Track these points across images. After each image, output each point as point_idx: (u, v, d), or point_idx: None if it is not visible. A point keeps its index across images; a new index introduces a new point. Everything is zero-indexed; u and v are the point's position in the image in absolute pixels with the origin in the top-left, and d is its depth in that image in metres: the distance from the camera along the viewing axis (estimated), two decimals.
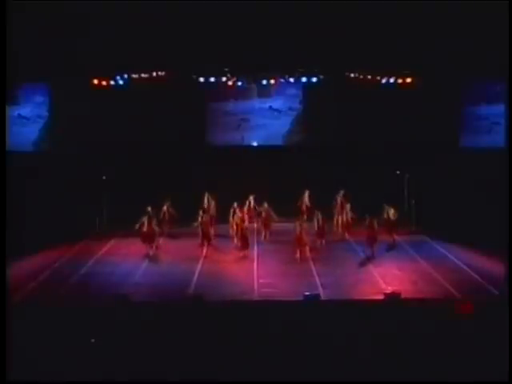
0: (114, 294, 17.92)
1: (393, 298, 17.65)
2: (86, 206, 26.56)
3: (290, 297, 18.34)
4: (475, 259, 22.22)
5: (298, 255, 22.41)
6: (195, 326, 15.84)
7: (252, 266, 21.94)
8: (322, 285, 19.64)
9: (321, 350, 14.53)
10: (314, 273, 21.03)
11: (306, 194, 26.65)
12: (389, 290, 18.53)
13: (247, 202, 25.75)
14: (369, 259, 22.56)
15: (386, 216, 24.26)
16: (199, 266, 21.96)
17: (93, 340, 14.99)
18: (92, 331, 15.37)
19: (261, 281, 20.22)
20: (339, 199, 25.80)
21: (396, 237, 24.60)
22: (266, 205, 24.95)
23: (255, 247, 24.18)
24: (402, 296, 17.79)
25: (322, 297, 18.26)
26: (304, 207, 26.45)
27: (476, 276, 20.50)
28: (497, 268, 20.53)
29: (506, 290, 17.87)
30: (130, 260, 22.72)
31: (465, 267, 21.46)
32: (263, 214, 25.12)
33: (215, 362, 14.10)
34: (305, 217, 25.83)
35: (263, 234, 25.15)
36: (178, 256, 23.09)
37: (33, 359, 14.10)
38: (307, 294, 17.86)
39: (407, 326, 15.66)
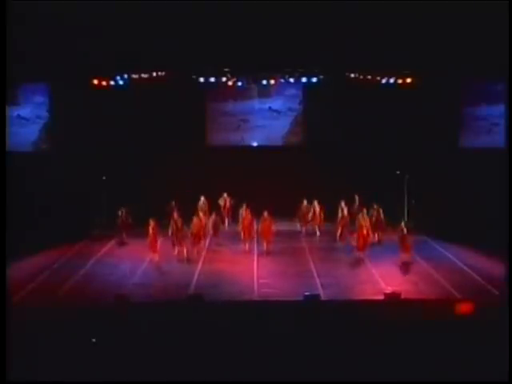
0: (114, 295, 17.88)
1: (393, 298, 17.65)
2: (86, 206, 26.57)
3: (290, 297, 18.34)
4: (475, 259, 22.24)
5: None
6: (195, 325, 15.82)
7: (252, 266, 21.94)
8: (322, 285, 19.65)
9: (321, 350, 14.52)
10: (314, 273, 21.03)
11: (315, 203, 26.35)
12: (389, 290, 18.51)
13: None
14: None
15: (374, 214, 24.40)
16: (199, 266, 21.96)
17: (94, 340, 14.98)
18: (91, 331, 15.35)
19: (261, 281, 20.22)
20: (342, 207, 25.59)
21: (382, 235, 24.79)
22: (265, 213, 23.92)
23: (255, 247, 24.19)
24: (402, 296, 17.79)
25: (322, 297, 18.26)
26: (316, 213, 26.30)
27: (476, 276, 20.51)
28: (497, 268, 20.55)
29: (506, 290, 17.87)
30: (130, 260, 22.70)
31: (465, 267, 21.48)
32: (266, 221, 23.96)
33: (215, 361, 14.08)
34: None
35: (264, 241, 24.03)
36: (178, 256, 23.08)
37: (33, 359, 14.09)
38: (307, 293, 17.84)
39: (407, 326, 15.65)
